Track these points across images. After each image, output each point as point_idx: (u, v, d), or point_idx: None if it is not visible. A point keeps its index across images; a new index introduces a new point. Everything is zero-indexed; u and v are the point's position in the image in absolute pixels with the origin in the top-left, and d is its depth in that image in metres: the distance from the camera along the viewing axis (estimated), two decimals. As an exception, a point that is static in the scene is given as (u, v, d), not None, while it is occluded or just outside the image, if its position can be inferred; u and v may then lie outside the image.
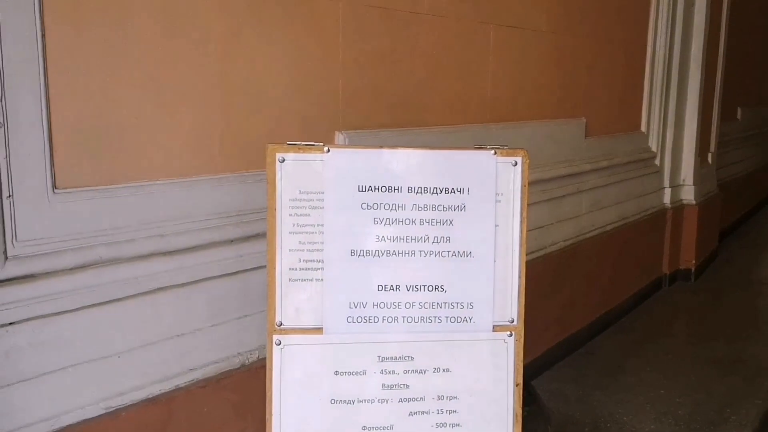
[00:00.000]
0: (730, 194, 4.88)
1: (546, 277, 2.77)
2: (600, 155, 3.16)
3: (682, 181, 3.89)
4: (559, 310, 2.88)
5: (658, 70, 3.55)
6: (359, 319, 1.25)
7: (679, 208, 3.85)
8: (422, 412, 1.27)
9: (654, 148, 3.66)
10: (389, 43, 2.04)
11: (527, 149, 2.65)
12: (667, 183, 3.78)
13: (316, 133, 1.82)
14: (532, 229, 2.70)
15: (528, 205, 2.59)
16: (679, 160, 3.87)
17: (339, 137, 1.89)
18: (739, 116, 5.38)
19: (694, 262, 3.94)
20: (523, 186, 1.26)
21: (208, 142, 1.57)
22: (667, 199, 3.78)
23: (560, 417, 2.35)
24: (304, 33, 1.79)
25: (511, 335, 1.29)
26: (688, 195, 3.91)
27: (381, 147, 1.26)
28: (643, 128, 3.58)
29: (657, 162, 3.70)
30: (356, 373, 1.26)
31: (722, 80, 4.33)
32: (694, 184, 3.91)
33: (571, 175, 2.94)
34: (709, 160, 4.28)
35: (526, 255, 2.65)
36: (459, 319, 1.28)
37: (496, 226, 1.27)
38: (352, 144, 1.88)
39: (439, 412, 1.28)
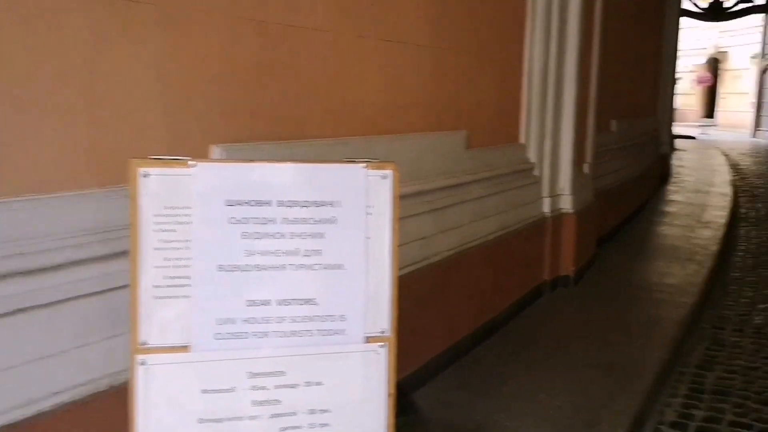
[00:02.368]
0: (607, 202, 5.17)
1: (430, 286, 2.83)
2: (481, 166, 3.26)
3: (561, 191, 4.07)
4: (444, 319, 2.94)
5: (534, 84, 3.71)
6: (228, 336, 1.23)
7: (558, 216, 4.03)
8: (294, 427, 1.26)
9: (533, 159, 3.82)
10: (267, 56, 2.03)
11: (410, 161, 2.74)
12: (546, 193, 3.94)
13: (191, 146, 1.78)
14: (415, 239, 2.76)
15: (409, 216, 2.67)
16: (557, 171, 4.05)
17: (215, 151, 1.86)
18: (613, 128, 5.71)
19: (573, 268, 4.13)
20: (393, 198, 1.28)
21: (72, 156, 1.51)
22: (546, 208, 3.94)
23: (444, 425, 2.39)
24: (178, 43, 1.75)
25: (383, 346, 1.31)
26: (567, 204, 4.09)
27: (251, 161, 1.25)
28: (522, 140, 3.73)
29: (536, 172, 3.86)
30: (225, 390, 1.23)
31: (596, 94, 4.58)
32: (572, 193, 4.10)
33: (453, 186, 3.02)
34: (586, 170, 4.51)
35: (411, 265, 2.72)
36: (331, 332, 1.28)
37: (368, 238, 1.28)
38: (229, 158, 1.85)
39: (312, 426, 1.27)
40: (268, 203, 1.23)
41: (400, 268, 2.66)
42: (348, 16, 2.34)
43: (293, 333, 1.26)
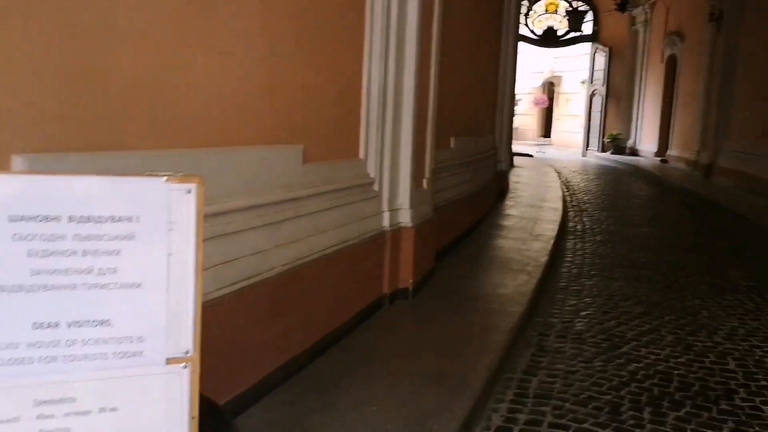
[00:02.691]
0: (446, 217, 5.36)
1: (264, 302, 2.79)
2: (319, 181, 3.27)
3: (400, 205, 4.18)
4: (280, 335, 2.91)
5: (373, 101, 3.78)
6: (11, 362, 1.13)
7: (397, 230, 4.13)
8: (88, 458, 1.18)
9: (372, 174, 3.88)
10: (81, 61, 1.92)
11: (243, 175, 2.69)
12: (385, 207, 4.03)
13: (-14, 155, 1.64)
14: (249, 254, 2.71)
15: (242, 231, 2.62)
16: (397, 186, 4.15)
17: (17, 161, 1.72)
18: (452, 145, 5.94)
19: (412, 281, 4.24)
20: (197, 214, 1.24)
21: None
22: (386, 222, 4.02)
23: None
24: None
25: (186, 367, 1.25)
26: (405, 218, 4.20)
27: (53, 173, 1.16)
28: (362, 155, 3.78)
29: (375, 187, 3.93)
30: (7, 420, 1.13)
31: (435, 111, 4.75)
32: (411, 207, 4.22)
33: (289, 200, 3.00)
34: (425, 185, 4.65)
35: (244, 281, 2.67)
36: (128, 354, 1.21)
37: (169, 255, 1.23)
38: (33, 168, 1.72)
39: (108, 455, 1.19)
40: (57, 218, 1.14)
41: (233, 284, 2.62)
42: (174, 25, 2.27)
43: (85, 357, 1.18)
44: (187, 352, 1.25)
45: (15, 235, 1.12)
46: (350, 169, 3.66)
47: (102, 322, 1.19)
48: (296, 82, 3.07)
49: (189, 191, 1.24)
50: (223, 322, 2.49)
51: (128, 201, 1.20)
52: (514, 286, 4.72)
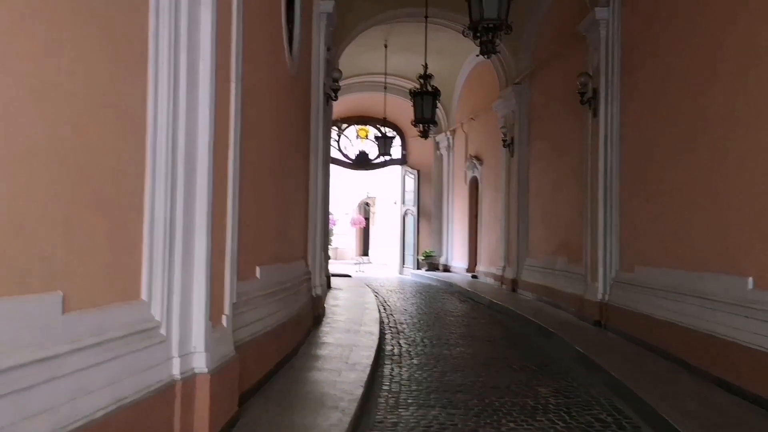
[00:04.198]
0: (252, 353, 4.94)
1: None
2: (85, 332, 2.78)
3: (193, 349, 3.73)
4: None
5: (158, 237, 3.40)
6: None
7: (190, 378, 3.65)
8: None
9: (158, 317, 3.43)
10: None
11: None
12: (175, 353, 3.56)
13: None
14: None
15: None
16: (189, 327, 3.72)
17: None
18: (258, 275, 5.62)
19: (209, 435, 3.74)
20: None
21: None
22: (176, 370, 3.54)
23: None
24: None
25: None
26: (200, 362, 3.75)
27: None
28: (144, 296, 3.34)
29: (163, 331, 3.47)
30: None
31: (235, 242, 4.44)
32: (206, 350, 3.78)
33: (42, 360, 2.49)
34: (224, 323, 4.25)
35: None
36: None
37: None
38: None
39: None
40: None
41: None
42: None
43: None
44: None
45: None
46: (129, 314, 3.19)
47: None
48: (55, 219, 2.63)
49: None
50: None
51: None
52: (326, 427, 4.35)
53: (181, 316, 3.63)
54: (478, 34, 8.02)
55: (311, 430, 4.31)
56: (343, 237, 34.32)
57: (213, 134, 3.91)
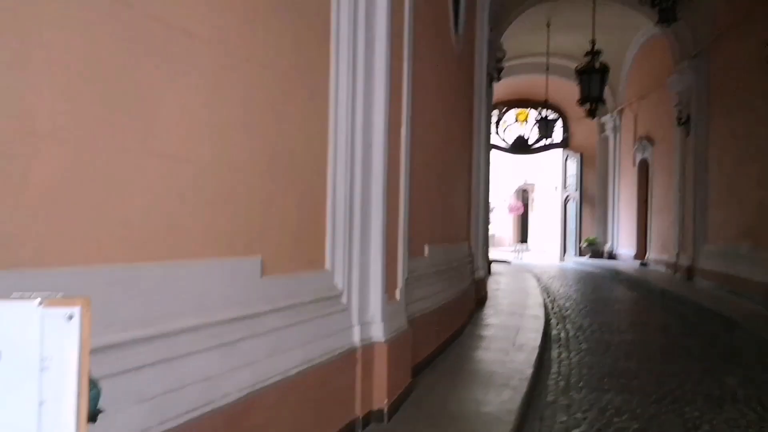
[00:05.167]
0: (422, 329, 5.05)
1: (215, 435, 2.43)
2: (279, 295, 2.98)
3: (371, 319, 3.87)
4: (233, 474, 2.52)
5: (339, 211, 3.56)
6: None
7: (368, 346, 3.80)
8: None
9: (340, 286, 3.60)
10: (-9, 165, 1.67)
11: (192, 291, 2.39)
12: (355, 321, 3.72)
13: None
14: (197, 381, 2.37)
15: (189, 354, 2.30)
16: (367, 298, 3.87)
17: None
18: (426, 253, 5.71)
19: (386, 401, 3.87)
20: (81, 347, 0.95)
21: None
22: (356, 337, 3.71)
23: None
24: None
25: None
26: (378, 332, 3.89)
27: None
28: (328, 266, 3.52)
29: (344, 300, 3.64)
30: None
31: (407, 219, 4.54)
32: (383, 321, 3.91)
33: (245, 318, 2.70)
34: (397, 296, 4.37)
35: (190, 412, 2.31)
36: None
37: (41, 403, 0.93)
38: None
39: None
40: None
41: (178, 416, 2.27)
42: (109, 124, 2.04)
43: None
44: None
45: None
46: (315, 281, 3.38)
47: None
48: (253, 188, 2.84)
49: (70, 317, 0.95)
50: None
51: (-15, 332, 0.91)
52: (499, 403, 4.35)
53: (360, 287, 3.79)
54: (656, 2, 7.57)
55: (483, 405, 4.33)
56: (500, 224, 33.97)
57: (388, 113, 4.02)
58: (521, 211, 33.13)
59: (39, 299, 0.94)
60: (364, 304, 3.83)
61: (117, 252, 2.09)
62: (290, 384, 2.97)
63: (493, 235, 31.95)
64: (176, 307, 2.32)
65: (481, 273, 9.38)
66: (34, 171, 1.79)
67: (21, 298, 0.94)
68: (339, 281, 3.60)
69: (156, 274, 2.24)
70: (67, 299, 0.96)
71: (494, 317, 8.15)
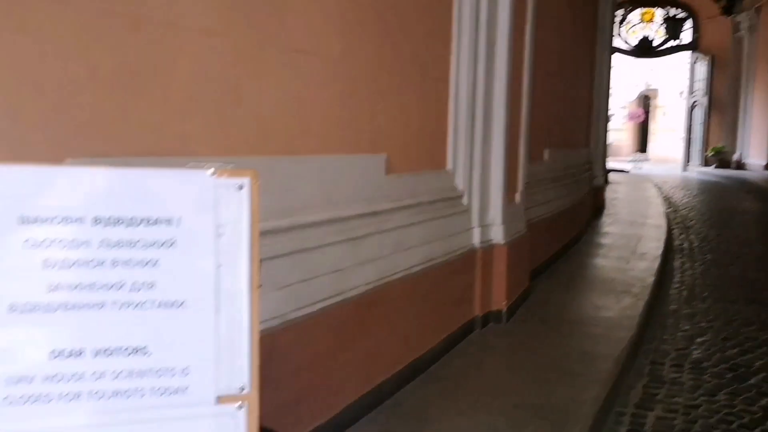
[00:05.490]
0: (540, 234, 5.00)
1: (345, 325, 2.54)
2: (403, 193, 3.01)
3: (491, 221, 3.86)
4: (362, 361, 2.65)
5: (462, 109, 3.51)
6: (23, 399, 0.92)
7: (488, 248, 3.81)
8: None
9: (461, 187, 3.60)
10: (142, 59, 1.74)
11: (321, 186, 2.46)
12: (475, 223, 3.72)
13: (39, 159, 1.47)
14: (328, 272, 2.48)
15: (321, 246, 2.39)
16: (488, 200, 3.84)
17: (69, 166, 1.55)
18: (546, 157, 5.58)
19: (505, 303, 3.91)
20: (252, 215, 1.00)
21: None
22: (476, 239, 3.72)
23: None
24: (35, 41, 1.46)
25: (241, 407, 1.01)
26: (497, 235, 3.88)
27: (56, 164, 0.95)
28: (449, 166, 3.51)
29: (464, 201, 3.64)
30: (19, 474, 0.91)
31: (528, 121, 4.42)
32: (503, 223, 3.90)
33: (371, 214, 2.76)
34: (517, 200, 4.32)
35: (322, 301, 2.43)
36: (169, 391, 0.98)
37: (218, 266, 0.99)
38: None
39: None
40: (80, 220, 0.93)
41: (312, 304, 2.39)
42: (245, 20, 2.08)
43: (116, 393, 0.95)
44: (242, 389, 1.01)
45: (27, 241, 0.91)
46: (437, 180, 3.39)
47: (136, 350, 0.96)
48: (379, 85, 2.84)
49: (241, 187, 1.00)
50: (300, 344, 2.27)
51: (166, 200, 0.97)
52: (619, 309, 4.30)
53: (481, 189, 3.76)
54: None
55: (603, 311, 4.29)
56: (618, 132, 32.52)
57: (512, 11, 3.84)
58: (642, 118, 31.44)
59: (212, 169, 0.99)
60: (485, 206, 3.81)
61: (253, 145, 2.16)
62: (412, 281, 3.04)
63: (611, 144, 30.72)
64: (308, 200, 2.39)
65: (599, 180, 9.09)
66: (179, 66, 1.85)
67: (195, 167, 0.99)
68: (460, 182, 3.59)
69: (289, 168, 2.31)
70: (237, 170, 1.01)
71: (613, 226, 7.94)
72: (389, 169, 2.90)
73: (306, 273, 2.36)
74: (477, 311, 3.74)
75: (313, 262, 2.41)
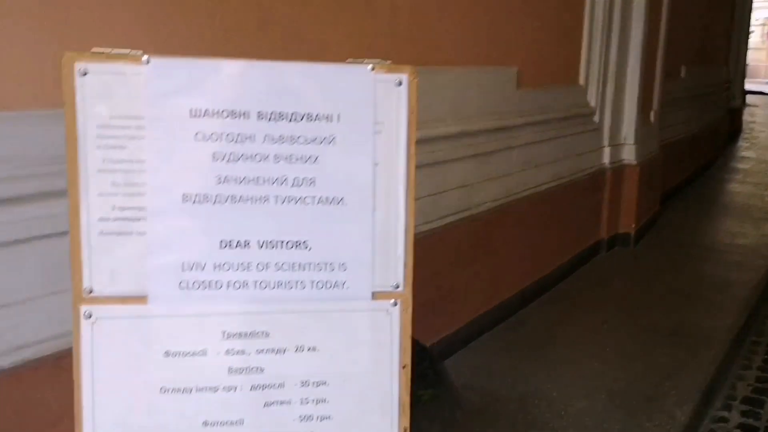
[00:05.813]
0: (673, 156, 4.74)
1: (471, 240, 2.53)
2: (533, 108, 2.91)
3: (623, 140, 3.69)
4: (487, 277, 2.65)
5: (597, 20, 3.31)
6: (196, 285, 0.96)
7: (618, 168, 3.65)
8: (282, 402, 1.00)
9: (593, 104, 3.43)
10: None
11: (450, 98, 2.40)
12: (606, 142, 3.56)
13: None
14: (456, 187, 2.46)
15: (449, 160, 2.36)
16: (620, 118, 3.66)
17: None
18: (683, 75, 5.22)
19: (634, 226, 3.76)
20: (409, 113, 0.98)
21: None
22: (606, 158, 3.57)
23: (482, 395, 2.12)
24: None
25: (395, 304, 1.02)
26: (629, 155, 3.71)
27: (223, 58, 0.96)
28: (582, 81, 3.34)
29: (596, 119, 3.48)
30: (194, 354, 0.97)
31: (666, 35, 4.12)
32: (636, 143, 3.71)
33: (500, 129, 2.69)
34: (652, 118, 4.09)
35: (450, 215, 2.42)
36: (328, 285, 1.00)
37: (376, 164, 0.99)
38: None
39: (304, 401, 1.01)
40: (245, 115, 0.95)
41: (439, 218, 2.39)
42: None
43: (279, 284, 0.99)
44: (397, 287, 1.02)
45: (198, 133, 0.93)
46: (568, 96, 3.24)
47: (298, 244, 0.99)
48: (516, -4, 2.71)
49: (399, 83, 0.98)
50: (429, 258, 2.28)
51: (326, 96, 0.97)
52: (757, 237, 4.04)
53: (614, 107, 3.58)
54: None
55: (739, 237, 4.05)
56: (755, 51, 29.91)
57: None
58: (784, 36, 28.71)
59: (371, 65, 0.97)
60: (617, 125, 3.63)
61: (387, 54, 2.13)
62: (540, 199, 2.97)
63: (747, 64, 28.39)
64: (437, 113, 2.35)
65: (736, 102, 8.45)
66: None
67: (354, 62, 0.98)
68: (592, 99, 3.43)
69: (421, 79, 2.26)
70: (395, 66, 0.99)
71: (750, 150, 7.42)
72: (520, 83, 2.80)
73: (435, 187, 2.35)
74: (603, 234, 3.63)
75: (441, 176, 2.39)
